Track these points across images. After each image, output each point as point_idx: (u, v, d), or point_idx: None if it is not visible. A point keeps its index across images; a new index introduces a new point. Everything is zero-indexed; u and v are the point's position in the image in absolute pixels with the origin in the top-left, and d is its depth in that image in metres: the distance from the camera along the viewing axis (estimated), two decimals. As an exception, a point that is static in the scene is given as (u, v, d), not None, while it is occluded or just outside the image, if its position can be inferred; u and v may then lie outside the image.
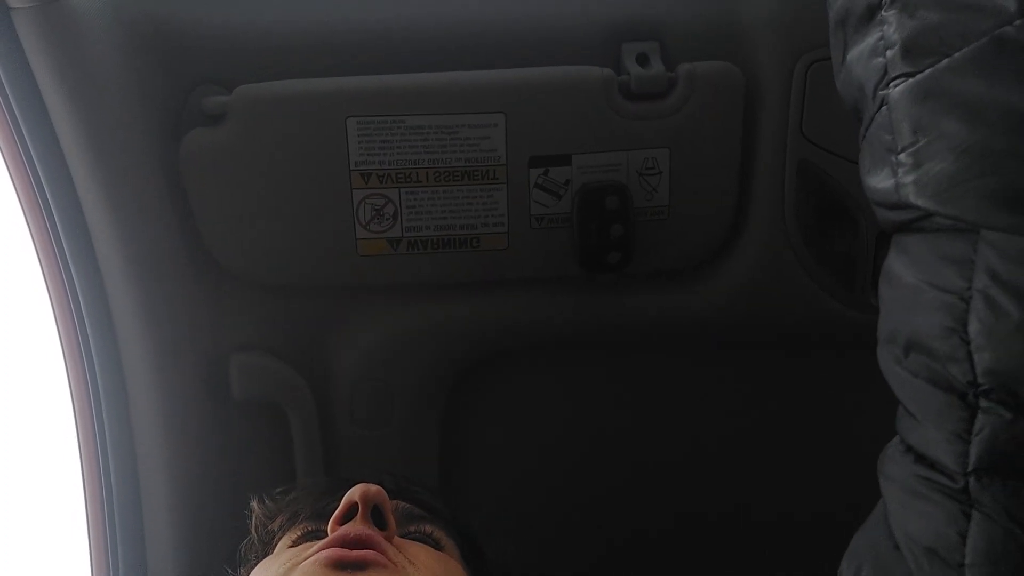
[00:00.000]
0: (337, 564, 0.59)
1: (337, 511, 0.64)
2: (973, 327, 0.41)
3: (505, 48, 0.80)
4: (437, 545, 0.69)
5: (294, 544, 0.68)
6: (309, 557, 0.61)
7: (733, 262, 0.85)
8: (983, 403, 0.42)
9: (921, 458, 0.45)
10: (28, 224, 0.79)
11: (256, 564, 0.68)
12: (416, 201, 0.81)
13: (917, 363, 0.44)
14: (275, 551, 0.69)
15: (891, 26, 0.43)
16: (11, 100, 0.73)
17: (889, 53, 0.43)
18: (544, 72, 0.79)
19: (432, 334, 0.87)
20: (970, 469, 0.42)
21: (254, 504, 0.75)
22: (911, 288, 0.45)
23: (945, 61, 0.41)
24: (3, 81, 0.73)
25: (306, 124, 0.78)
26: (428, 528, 0.69)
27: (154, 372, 0.83)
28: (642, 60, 0.80)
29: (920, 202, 0.42)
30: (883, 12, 0.43)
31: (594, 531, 0.97)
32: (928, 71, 0.41)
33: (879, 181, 0.45)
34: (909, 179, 0.42)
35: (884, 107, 0.44)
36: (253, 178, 0.79)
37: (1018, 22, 0.38)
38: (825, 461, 0.96)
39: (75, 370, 0.84)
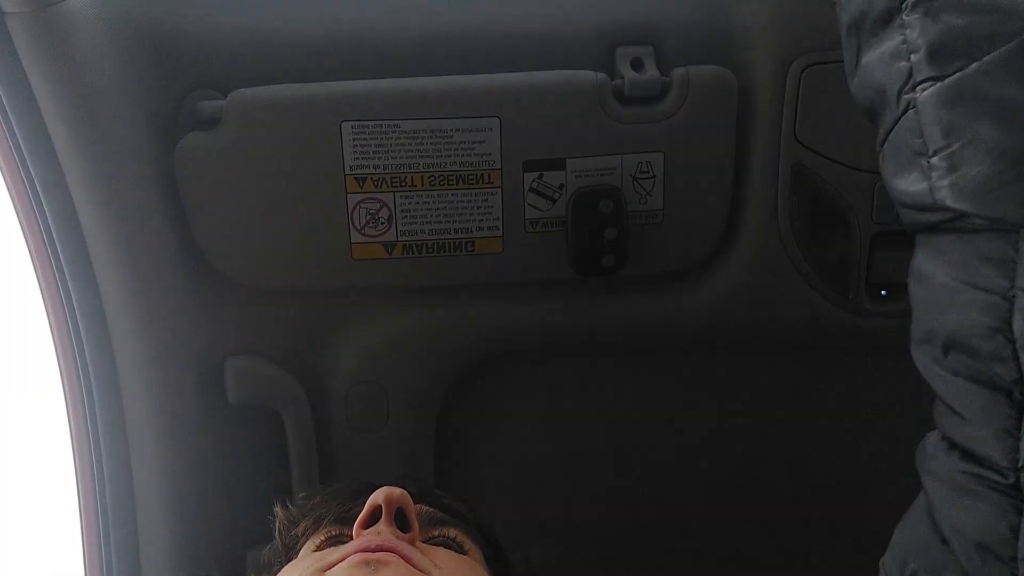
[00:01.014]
0: (363, 563, 0.59)
1: (361, 514, 0.64)
2: (1018, 325, 0.42)
3: (499, 52, 0.80)
4: (460, 549, 0.69)
5: (318, 549, 0.68)
6: (333, 564, 0.61)
7: (727, 266, 0.85)
8: None
9: (968, 455, 0.46)
10: (23, 229, 0.79)
11: (280, 569, 0.68)
12: (411, 205, 0.81)
13: (958, 362, 0.45)
14: (299, 556, 0.69)
15: (914, 30, 0.44)
16: (6, 105, 0.73)
17: (914, 57, 0.44)
18: (538, 76, 0.79)
19: (427, 338, 0.87)
20: (1021, 465, 0.43)
21: (278, 509, 0.75)
22: (946, 288, 0.45)
23: (974, 65, 0.41)
24: (-3, 86, 0.73)
25: (301, 128, 0.78)
26: (452, 532, 0.69)
27: (149, 376, 0.83)
28: (636, 64, 0.80)
29: (958, 205, 0.43)
30: (904, 16, 0.44)
31: (589, 533, 0.97)
32: (957, 75, 0.42)
33: (909, 184, 0.45)
34: (945, 182, 0.43)
35: (911, 111, 0.44)
36: (248, 182, 0.80)
37: None
38: (821, 461, 0.96)
39: (70, 375, 0.84)
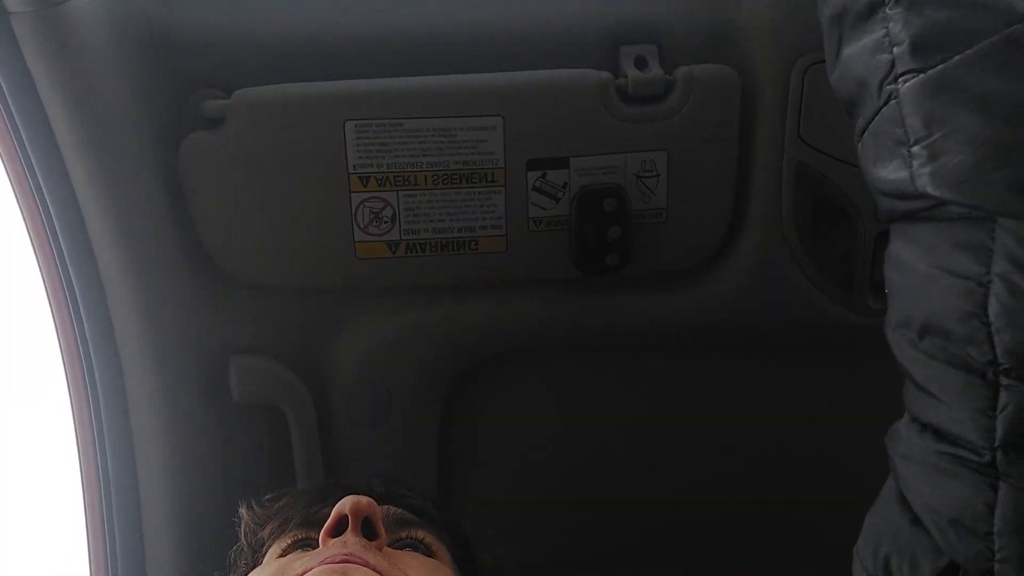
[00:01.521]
0: (328, 571, 0.58)
1: (327, 524, 0.63)
2: (993, 310, 0.43)
3: (503, 51, 0.80)
4: (428, 551, 0.68)
5: (284, 553, 0.67)
6: (298, 570, 0.60)
7: (731, 264, 0.85)
8: (1004, 381, 0.44)
9: (942, 435, 0.47)
10: (27, 228, 0.79)
11: (246, 571, 0.67)
12: (414, 204, 0.81)
13: (933, 345, 0.46)
14: (265, 559, 0.69)
15: (897, 24, 0.44)
16: (10, 105, 0.73)
17: (896, 50, 0.44)
18: (542, 75, 0.79)
19: (430, 336, 0.88)
20: (997, 444, 0.45)
21: (243, 511, 0.74)
22: (923, 275, 0.47)
23: (956, 58, 0.42)
24: (2, 85, 0.73)
25: (304, 128, 0.78)
26: (420, 534, 0.69)
27: (153, 375, 0.84)
28: (640, 63, 0.80)
29: (938, 192, 0.44)
30: (887, 10, 0.45)
31: (593, 531, 0.97)
32: (939, 67, 0.43)
33: (889, 172, 0.46)
34: (926, 170, 0.44)
35: (893, 101, 0.45)
36: (252, 181, 0.80)
37: None
38: (823, 461, 0.96)
39: (74, 373, 0.84)
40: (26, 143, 0.75)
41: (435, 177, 0.81)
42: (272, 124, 0.78)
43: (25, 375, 1.13)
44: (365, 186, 0.80)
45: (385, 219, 0.81)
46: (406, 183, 0.80)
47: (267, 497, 0.77)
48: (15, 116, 0.74)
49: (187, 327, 0.84)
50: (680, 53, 0.81)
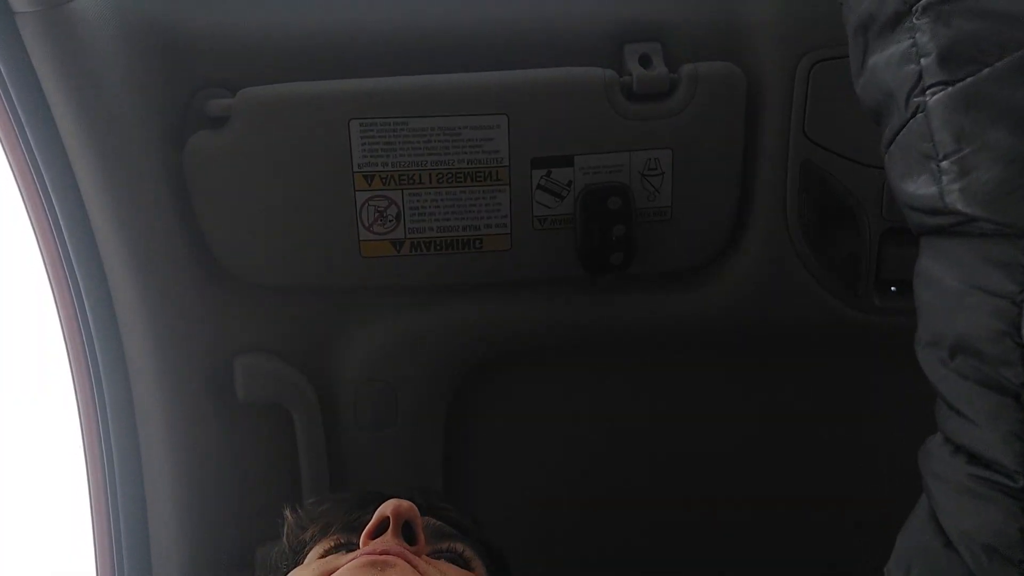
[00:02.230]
0: (368, 564, 0.59)
1: (369, 525, 0.64)
2: None
3: (507, 50, 0.80)
4: (466, 564, 0.68)
5: (324, 555, 0.68)
6: (337, 567, 0.61)
7: (735, 263, 0.85)
8: None
9: (975, 458, 0.46)
10: (33, 227, 0.79)
11: (286, 572, 0.68)
12: (419, 203, 0.81)
13: (965, 365, 0.45)
14: (305, 561, 0.69)
15: (924, 34, 0.44)
16: (16, 104, 0.73)
17: (924, 61, 0.44)
18: (546, 73, 0.79)
19: (435, 335, 0.88)
20: None
21: (287, 513, 0.75)
22: (954, 292, 0.46)
23: (986, 71, 0.42)
24: (8, 85, 0.73)
25: (309, 127, 0.78)
26: (458, 547, 0.69)
27: (159, 374, 0.84)
28: (644, 61, 0.80)
29: (970, 209, 0.43)
30: (914, 20, 0.44)
31: (599, 531, 0.97)
32: (968, 80, 0.42)
33: (918, 187, 0.46)
34: (956, 186, 0.43)
35: (920, 114, 0.45)
36: (257, 180, 0.80)
37: None
38: (829, 460, 0.96)
39: (80, 373, 0.84)
40: (31, 142, 0.75)
41: (440, 176, 0.81)
42: (277, 123, 0.78)
43: (30, 375, 1.13)
44: (370, 185, 0.80)
45: (390, 218, 0.81)
46: (411, 182, 0.81)
47: (310, 501, 0.78)
48: (21, 115, 0.74)
49: (192, 326, 0.84)
50: (685, 51, 0.81)
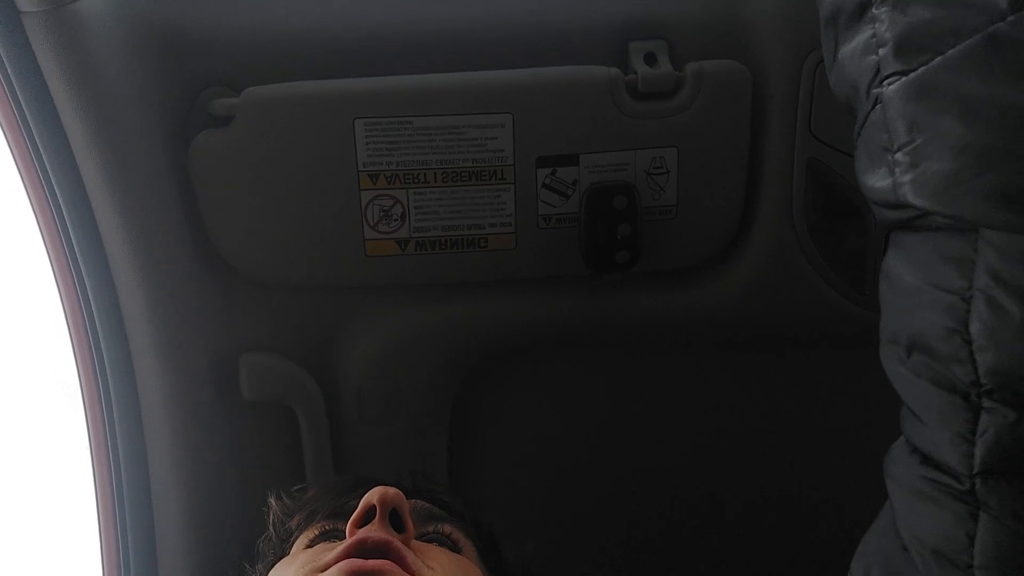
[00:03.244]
0: (354, 573, 0.57)
1: (355, 514, 0.63)
2: (975, 327, 0.41)
3: (512, 48, 0.80)
4: (455, 546, 0.68)
5: (311, 544, 0.68)
6: (326, 566, 0.60)
7: (741, 261, 0.85)
8: (986, 403, 0.41)
9: (927, 459, 0.45)
10: (39, 226, 0.80)
11: (274, 561, 0.68)
12: (424, 202, 0.81)
13: (919, 363, 0.44)
14: (292, 550, 0.69)
15: (883, 24, 0.43)
16: (22, 103, 0.74)
17: (882, 51, 0.43)
18: (551, 72, 0.79)
19: (440, 334, 0.88)
20: (976, 471, 0.42)
21: (272, 501, 0.75)
22: (911, 288, 0.44)
23: (939, 59, 0.40)
24: (14, 84, 0.73)
25: (314, 126, 0.78)
26: (446, 529, 0.69)
27: (164, 372, 0.84)
28: (649, 59, 0.80)
29: (918, 201, 0.42)
30: (874, 9, 0.43)
31: (603, 528, 0.97)
32: (922, 69, 0.41)
33: (876, 180, 0.44)
34: (907, 178, 0.42)
35: (878, 105, 0.43)
36: (262, 179, 0.80)
37: (1011, 18, 0.38)
38: (834, 458, 0.96)
39: (85, 370, 0.84)
40: (37, 141, 0.75)
41: (444, 175, 0.80)
42: (281, 122, 0.78)
43: (36, 373, 1.13)
44: (375, 184, 0.80)
45: (395, 217, 0.81)
46: (415, 181, 0.80)
47: (296, 488, 0.77)
48: (27, 114, 0.74)
49: (197, 325, 0.84)
50: (690, 49, 0.80)
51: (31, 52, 0.72)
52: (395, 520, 0.63)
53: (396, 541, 0.61)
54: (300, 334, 0.87)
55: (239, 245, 0.82)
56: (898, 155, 0.42)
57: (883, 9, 0.43)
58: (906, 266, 0.45)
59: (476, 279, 0.85)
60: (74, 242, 0.80)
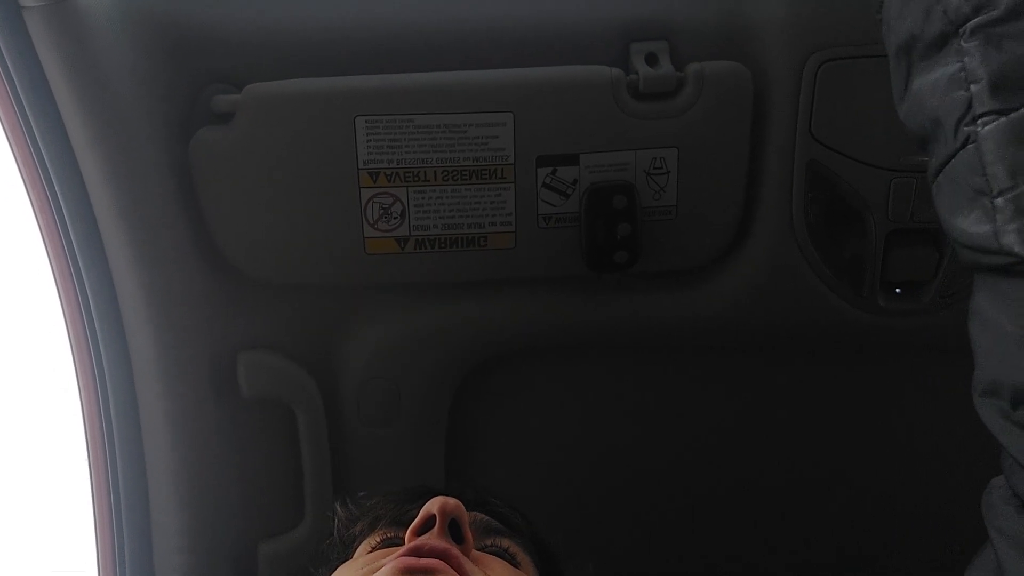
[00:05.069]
0: (407, 570, 0.58)
1: (415, 522, 0.63)
2: None
3: (513, 48, 0.80)
4: (513, 561, 0.68)
5: (373, 550, 0.68)
6: (383, 565, 0.60)
7: (740, 262, 0.85)
8: None
9: None
10: (38, 221, 0.79)
11: (337, 565, 0.68)
12: (424, 200, 0.81)
13: None
14: (354, 555, 0.69)
15: (974, 58, 0.41)
16: (22, 98, 0.74)
17: (974, 87, 0.41)
18: (552, 72, 0.79)
19: (439, 333, 0.88)
20: None
21: (337, 506, 0.75)
22: (1013, 336, 0.42)
23: None
24: (14, 79, 0.73)
25: (315, 123, 0.78)
26: (505, 543, 0.69)
27: (162, 370, 0.84)
28: (651, 60, 0.80)
29: None
30: (962, 42, 0.41)
31: (603, 527, 0.97)
32: (1023, 110, 0.40)
33: (970, 224, 0.43)
34: (1012, 227, 0.40)
35: (971, 145, 0.42)
36: (262, 176, 0.80)
37: None
38: (833, 461, 0.96)
39: (84, 368, 0.84)
40: (37, 137, 0.75)
41: (445, 173, 0.80)
42: (282, 119, 0.78)
43: (35, 370, 1.13)
44: (375, 182, 0.80)
45: (394, 215, 0.81)
46: (416, 179, 0.80)
47: (360, 494, 0.78)
48: (27, 109, 0.74)
49: (196, 322, 0.84)
50: (691, 50, 0.80)
51: (32, 47, 0.72)
52: (455, 531, 0.63)
53: (454, 549, 0.60)
54: (299, 332, 0.87)
55: (239, 242, 0.82)
56: (998, 200, 0.41)
57: (973, 43, 0.41)
58: (1004, 313, 0.43)
59: (475, 278, 0.85)
60: (73, 238, 0.79)
